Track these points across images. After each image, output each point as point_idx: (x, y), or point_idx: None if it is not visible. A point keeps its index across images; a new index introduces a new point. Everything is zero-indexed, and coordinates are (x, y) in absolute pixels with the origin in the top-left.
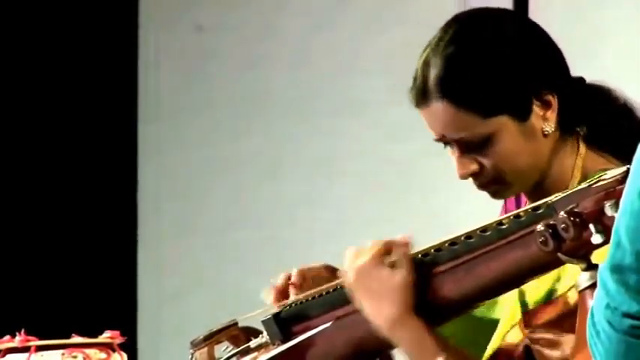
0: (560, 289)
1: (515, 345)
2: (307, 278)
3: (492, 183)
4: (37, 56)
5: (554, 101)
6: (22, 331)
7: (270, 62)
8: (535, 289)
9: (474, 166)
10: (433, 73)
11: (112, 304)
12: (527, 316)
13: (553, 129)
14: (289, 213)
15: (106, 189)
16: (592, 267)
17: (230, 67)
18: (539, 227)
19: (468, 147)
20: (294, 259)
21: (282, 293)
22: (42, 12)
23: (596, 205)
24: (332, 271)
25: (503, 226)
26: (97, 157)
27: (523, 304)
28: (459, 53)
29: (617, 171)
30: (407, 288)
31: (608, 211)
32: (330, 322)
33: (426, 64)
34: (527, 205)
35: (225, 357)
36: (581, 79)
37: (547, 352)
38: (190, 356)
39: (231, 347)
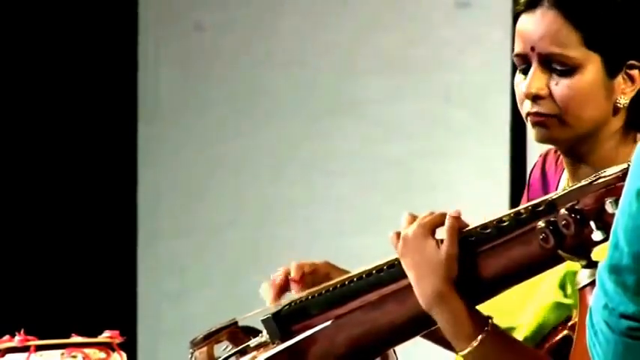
0: None
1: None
2: (306, 273)
3: (549, 115)
4: (37, 56)
5: (638, 80)
6: (22, 330)
7: (270, 62)
8: None
9: (544, 91)
10: None
11: (111, 303)
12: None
13: (625, 106)
14: (289, 213)
15: (106, 189)
16: (592, 264)
17: (230, 67)
18: (540, 224)
19: (549, 68)
20: (294, 258)
21: (282, 289)
22: (42, 12)
23: (597, 201)
24: (331, 268)
25: (504, 224)
26: (97, 157)
27: None
28: None
29: (618, 168)
30: (450, 264)
31: (609, 208)
32: (330, 321)
33: None
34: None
35: (224, 356)
36: None
37: None
38: (190, 355)
39: (230, 346)
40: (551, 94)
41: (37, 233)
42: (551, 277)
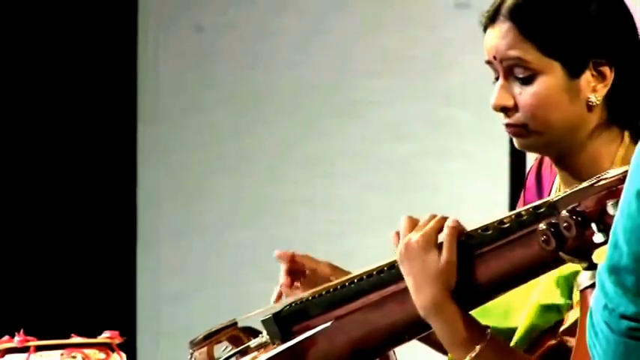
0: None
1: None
2: (304, 264)
3: (519, 125)
4: (38, 56)
5: (609, 76)
6: (22, 331)
7: (270, 62)
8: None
9: (510, 102)
10: (509, 1)
11: (111, 304)
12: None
13: (599, 103)
14: (289, 213)
15: (106, 189)
16: (593, 266)
17: (230, 67)
18: (541, 226)
19: (513, 76)
20: None
21: (291, 271)
22: (42, 12)
23: (598, 203)
24: (333, 269)
25: (505, 225)
26: (97, 157)
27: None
28: None
29: (619, 170)
30: (449, 274)
31: (610, 210)
32: (330, 322)
33: None
34: (549, 196)
35: (224, 357)
36: None
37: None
38: (190, 356)
39: (230, 347)
40: (516, 104)
41: (37, 234)
42: (547, 279)
